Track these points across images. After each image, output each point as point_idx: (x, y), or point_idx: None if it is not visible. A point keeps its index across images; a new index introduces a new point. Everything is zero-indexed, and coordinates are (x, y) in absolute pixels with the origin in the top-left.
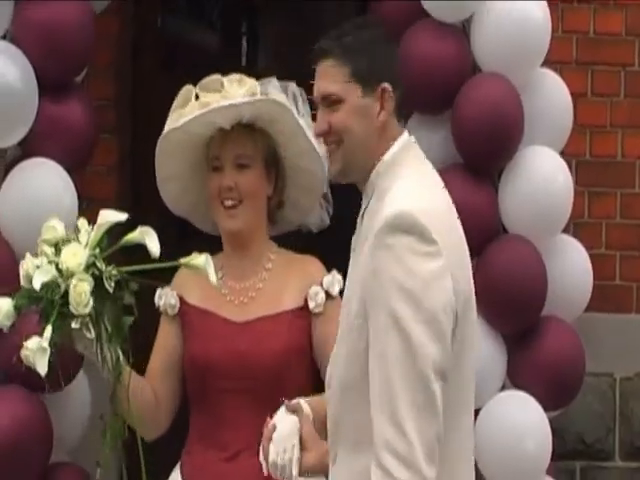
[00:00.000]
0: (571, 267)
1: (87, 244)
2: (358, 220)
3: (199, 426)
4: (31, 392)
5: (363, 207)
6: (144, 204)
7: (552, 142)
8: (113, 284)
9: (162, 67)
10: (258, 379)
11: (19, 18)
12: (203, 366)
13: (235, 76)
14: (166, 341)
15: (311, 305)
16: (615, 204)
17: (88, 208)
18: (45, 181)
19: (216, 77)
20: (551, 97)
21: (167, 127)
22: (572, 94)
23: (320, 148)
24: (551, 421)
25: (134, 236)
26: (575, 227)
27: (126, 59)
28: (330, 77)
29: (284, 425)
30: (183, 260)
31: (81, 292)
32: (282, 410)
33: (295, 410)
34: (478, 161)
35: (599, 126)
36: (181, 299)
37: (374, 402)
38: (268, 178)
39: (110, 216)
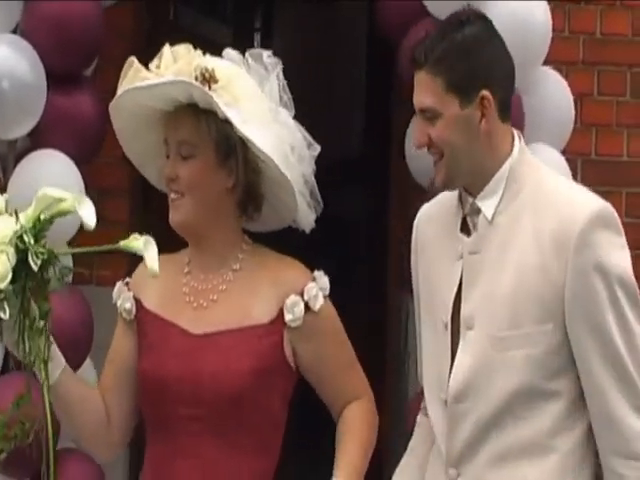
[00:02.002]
0: None
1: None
2: (478, 220)
3: (153, 456)
4: (36, 379)
5: (492, 207)
6: (155, 195)
7: (553, 140)
8: (39, 262)
9: None
10: (219, 405)
11: (29, 12)
12: (155, 387)
13: (181, 48)
14: (121, 348)
15: (287, 317)
16: (621, 203)
17: (99, 199)
18: (53, 172)
19: (172, 48)
20: (553, 96)
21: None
22: (578, 94)
23: (268, 137)
24: None
25: (66, 205)
26: None
27: (140, 52)
28: (425, 90)
29: None
30: (122, 243)
31: None
32: None
33: None
34: None
35: (605, 126)
36: (138, 302)
37: (605, 390)
38: (223, 167)
39: (51, 191)
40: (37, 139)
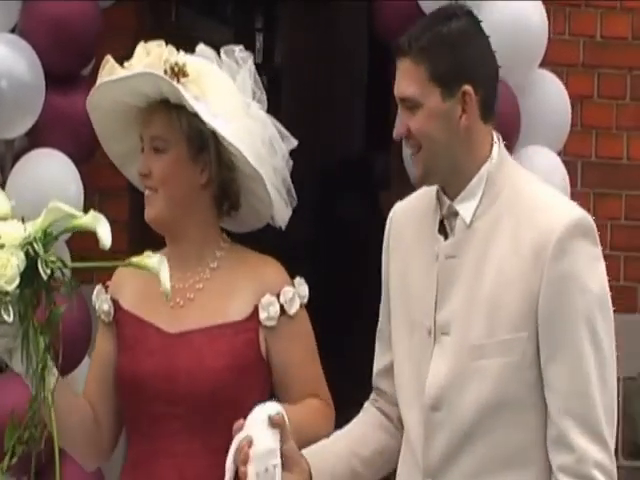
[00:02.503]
0: None
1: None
2: (456, 224)
3: (132, 455)
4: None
5: (470, 210)
6: None
7: (550, 143)
8: (49, 271)
9: None
10: (194, 402)
11: (27, 12)
12: (132, 386)
13: (153, 43)
14: (102, 352)
15: (262, 316)
16: (620, 206)
17: (99, 199)
18: (51, 171)
19: (145, 44)
20: (550, 98)
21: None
22: (579, 96)
23: (239, 130)
24: None
25: (85, 221)
26: None
27: None
28: (407, 78)
29: (264, 441)
30: (134, 259)
31: (7, 264)
32: (260, 419)
33: (277, 423)
34: None
35: (605, 128)
36: (116, 303)
37: (568, 415)
38: (195, 163)
39: (62, 205)
40: (35, 138)
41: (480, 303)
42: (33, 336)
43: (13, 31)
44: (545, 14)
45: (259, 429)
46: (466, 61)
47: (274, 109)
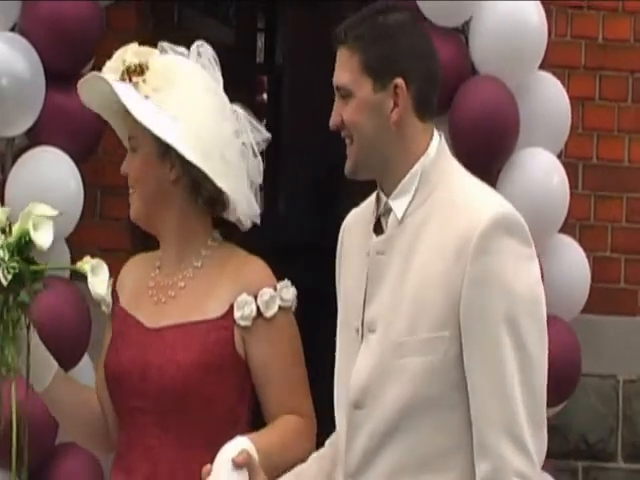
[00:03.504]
0: (569, 267)
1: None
2: (385, 220)
3: (118, 447)
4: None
5: (402, 207)
6: None
7: (549, 144)
8: (10, 277)
9: None
10: (164, 398)
11: (27, 10)
12: (112, 379)
13: (124, 47)
14: (105, 344)
15: (236, 314)
16: (621, 208)
17: (100, 197)
18: (52, 169)
19: (127, 46)
20: (549, 100)
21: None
22: (580, 99)
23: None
24: (553, 420)
25: (24, 227)
26: (581, 230)
27: None
28: (342, 67)
29: None
30: (78, 264)
31: None
32: (224, 462)
33: (242, 464)
34: (475, 162)
35: (606, 130)
36: (116, 298)
37: (487, 420)
38: (163, 160)
39: (38, 208)
40: (35, 136)
41: (404, 300)
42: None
43: (13, 29)
44: (544, 15)
45: (225, 473)
46: (399, 53)
47: (275, 109)
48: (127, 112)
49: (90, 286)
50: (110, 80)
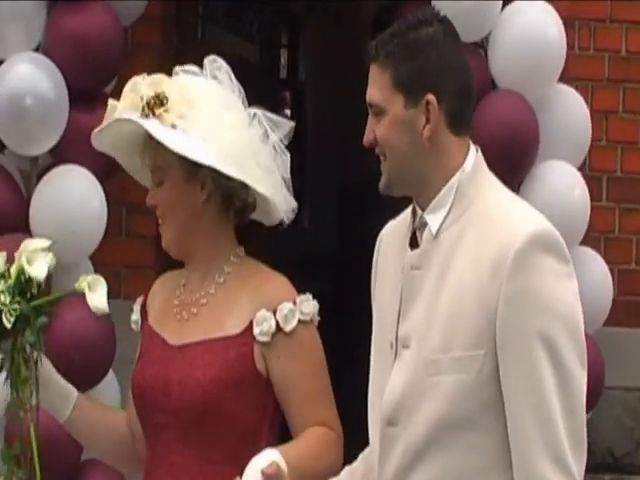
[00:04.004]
0: (591, 279)
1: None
2: (420, 234)
3: (145, 464)
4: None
5: (438, 221)
6: None
7: (570, 157)
8: (13, 319)
9: None
10: (185, 414)
11: (51, 30)
12: (137, 396)
13: (134, 79)
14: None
15: (255, 331)
16: None
17: (126, 215)
18: (75, 188)
19: (130, 81)
20: (569, 112)
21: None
22: (603, 111)
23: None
24: None
25: (21, 266)
26: (605, 242)
27: (167, 69)
28: (373, 84)
29: None
30: (76, 284)
31: None
32: (253, 474)
33: (271, 476)
34: (496, 175)
35: (630, 143)
36: (145, 316)
37: (527, 441)
38: (192, 182)
39: (31, 244)
40: (59, 155)
41: (438, 316)
42: (15, 378)
43: (37, 50)
44: (563, 28)
45: None
46: (430, 69)
47: (298, 124)
48: (148, 147)
49: (89, 302)
50: (135, 119)
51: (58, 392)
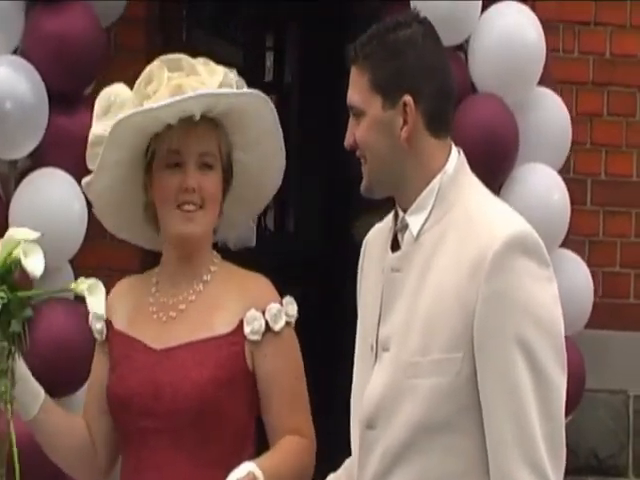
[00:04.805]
0: (571, 282)
1: None
2: (401, 236)
3: (124, 470)
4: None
5: (419, 223)
6: None
7: (550, 159)
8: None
9: None
10: (179, 417)
11: (29, 34)
12: (119, 403)
13: (201, 60)
14: (97, 372)
15: (246, 330)
16: (630, 223)
17: None
18: (55, 191)
19: (182, 56)
20: (549, 115)
21: (129, 110)
22: (588, 114)
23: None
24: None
25: (10, 254)
26: (590, 245)
27: None
28: (353, 86)
29: None
30: (72, 285)
31: None
32: None
33: None
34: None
35: (615, 146)
36: (109, 324)
37: (504, 446)
38: (225, 183)
39: (18, 233)
40: (38, 158)
41: (418, 319)
42: None
43: (15, 52)
44: (542, 31)
45: None
46: (407, 70)
47: (284, 127)
48: (190, 129)
49: (89, 306)
50: (195, 91)
51: (30, 389)
